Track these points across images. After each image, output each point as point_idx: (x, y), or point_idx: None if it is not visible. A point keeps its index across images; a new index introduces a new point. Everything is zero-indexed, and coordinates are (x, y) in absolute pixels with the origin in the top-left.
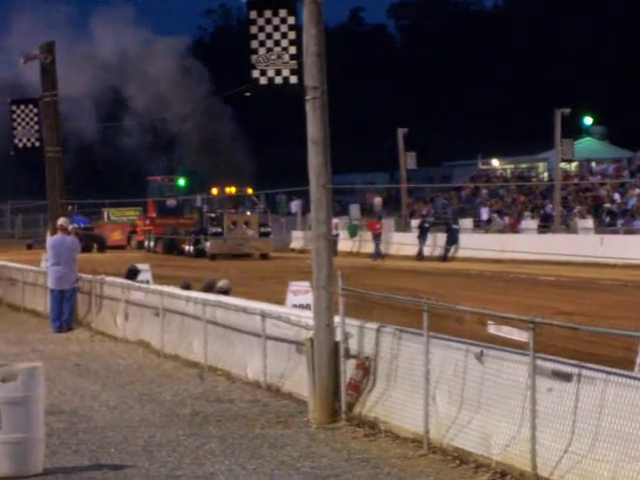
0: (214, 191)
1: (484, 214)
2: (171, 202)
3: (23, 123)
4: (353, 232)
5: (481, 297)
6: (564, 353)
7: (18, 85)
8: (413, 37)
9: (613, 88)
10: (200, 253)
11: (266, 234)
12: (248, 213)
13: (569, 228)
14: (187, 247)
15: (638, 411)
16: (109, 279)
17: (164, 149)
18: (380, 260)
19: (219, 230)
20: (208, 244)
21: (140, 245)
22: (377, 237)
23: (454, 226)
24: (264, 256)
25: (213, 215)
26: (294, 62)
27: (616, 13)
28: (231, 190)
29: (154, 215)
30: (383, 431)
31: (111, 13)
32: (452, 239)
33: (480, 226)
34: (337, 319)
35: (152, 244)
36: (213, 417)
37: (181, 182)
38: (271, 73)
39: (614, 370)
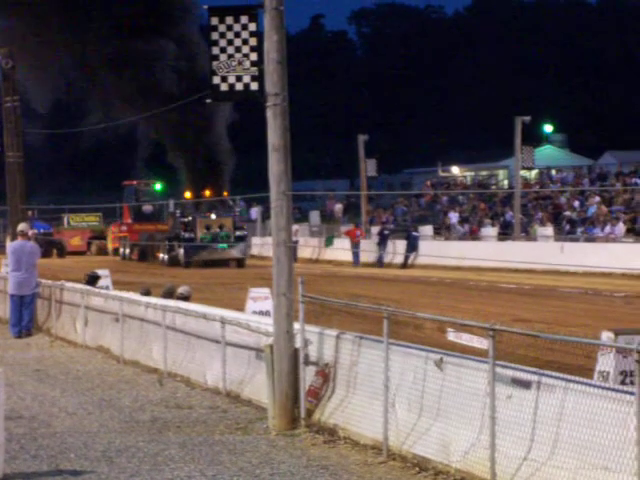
0: (187, 195)
1: (453, 218)
2: (147, 207)
3: None
4: (330, 242)
5: (441, 304)
6: (524, 361)
7: None
8: (374, 44)
9: (573, 96)
10: (174, 261)
11: (242, 238)
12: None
13: (529, 236)
14: (161, 255)
15: (597, 419)
16: (69, 285)
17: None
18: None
19: (192, 235)
20: (181, 251)
21: (109, 252)
22: (356, 245)
23: (414, 233)
24: (240, 263)
25: (186, 220)
26: (255, 69)
27: (577, 23)
28: (206, 193)
29: (130, 221)
30: (342, 438)
31: None
32: (412, 246)
33: (440, 233)
34: (297, 326)
35: (127, 251)
36: (172, 423)
37: (157, 186)
38: (232, 79)
39: (573, 378)
